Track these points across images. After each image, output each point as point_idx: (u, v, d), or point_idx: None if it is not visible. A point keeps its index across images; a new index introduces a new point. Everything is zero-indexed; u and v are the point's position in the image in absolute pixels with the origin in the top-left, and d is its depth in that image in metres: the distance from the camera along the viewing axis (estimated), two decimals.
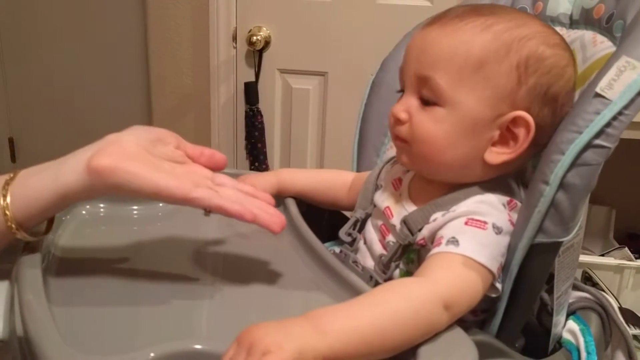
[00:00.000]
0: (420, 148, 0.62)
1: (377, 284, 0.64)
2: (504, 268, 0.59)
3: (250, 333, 0.43)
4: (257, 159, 1.94)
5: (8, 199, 0.54)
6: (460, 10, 0.63)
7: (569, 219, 0.56)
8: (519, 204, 0.62)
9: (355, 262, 0.69)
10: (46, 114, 2.37)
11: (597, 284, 1.52)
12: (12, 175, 0.56)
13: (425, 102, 0.61)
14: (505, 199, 0.62)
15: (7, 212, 0.53)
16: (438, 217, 0.61)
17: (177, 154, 0.60)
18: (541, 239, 0.57)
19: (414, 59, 0.62)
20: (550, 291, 0.62)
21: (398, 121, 0.63)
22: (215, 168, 0.63)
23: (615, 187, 1.88)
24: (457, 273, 0.55)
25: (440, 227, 0.59)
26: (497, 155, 0.61)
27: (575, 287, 0.71)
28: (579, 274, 1.55)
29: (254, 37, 1.82)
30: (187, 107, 2.01)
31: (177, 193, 0.54)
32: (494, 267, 0.56)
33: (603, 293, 0.71)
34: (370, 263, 0.68)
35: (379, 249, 0.68)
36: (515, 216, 0.61)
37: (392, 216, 0.67)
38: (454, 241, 0.56)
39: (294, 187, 0.79)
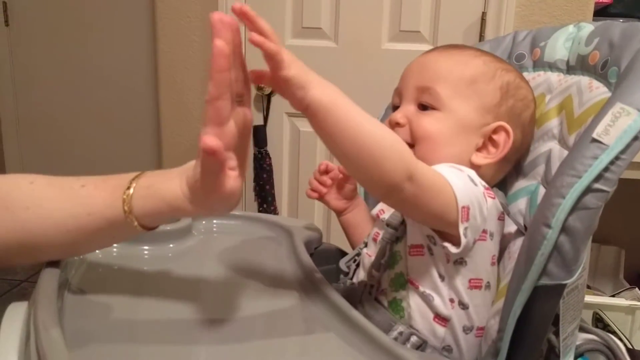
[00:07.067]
0: (421, 146, 0.69)
1: (370, 287, 0.71)
2: (507, 308, 0.60)
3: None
4: (266, 200, 1.95)
5: (131, 191, 0.57)
6: (455, 45, 0.77)
7: (571, 262, 0.57)
8: (494, 198, 0.68)
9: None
10: (58, 160, 2.41)
11: (609, 325, 1.50)
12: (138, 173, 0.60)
13: (424, 108, 0.71)
14: (483, 182, 0.67)
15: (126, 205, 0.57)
16: None
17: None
18: (545, 281, 0.58)
19: (415, 74, 0.74)
20: (557, 333, 0.62)
21: (397, 125, 0.71)
22: None
23: (624, 227, 1.88)
24: (435, 171, 0.61)
25: None
26: (482, 158, 0.71)
27: (582, 329, 0.71)
28: (589, 315, 1.53)
29: None
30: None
31: None
32: (462, 201, 0.60)
33: (610, 335, 0.71)
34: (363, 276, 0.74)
35: (368, 261, 0.73)
36: (490, 201, 0.66)
37: (384, 212, 0.73)
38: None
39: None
